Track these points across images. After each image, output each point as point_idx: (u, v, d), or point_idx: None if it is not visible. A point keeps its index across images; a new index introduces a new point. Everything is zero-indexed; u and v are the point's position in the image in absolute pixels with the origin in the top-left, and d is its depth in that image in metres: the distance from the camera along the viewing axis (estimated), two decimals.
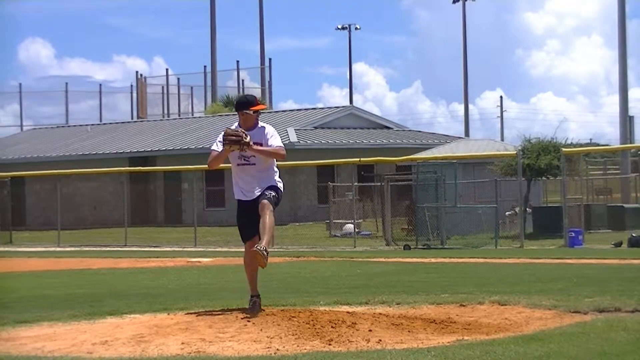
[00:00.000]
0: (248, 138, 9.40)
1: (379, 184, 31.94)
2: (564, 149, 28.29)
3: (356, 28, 75.79)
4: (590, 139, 70.58)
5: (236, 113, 9.74)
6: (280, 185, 9.68)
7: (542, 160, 30.04)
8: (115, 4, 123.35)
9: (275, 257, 23.54)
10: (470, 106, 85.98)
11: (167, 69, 70.45)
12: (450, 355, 7.22)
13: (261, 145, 9.49)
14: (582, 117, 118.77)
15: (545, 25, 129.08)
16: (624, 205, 33.75)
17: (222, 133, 9.52)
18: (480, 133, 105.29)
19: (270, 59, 63.67)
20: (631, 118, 42.85)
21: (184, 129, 48.48)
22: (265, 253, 8.99)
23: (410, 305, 10.31)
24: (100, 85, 68.19)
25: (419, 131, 50.30)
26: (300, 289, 13.34)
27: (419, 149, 40.07)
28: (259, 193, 9.50)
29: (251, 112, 9.57)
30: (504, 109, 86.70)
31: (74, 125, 58.29)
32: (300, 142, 40.89)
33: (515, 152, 29.05)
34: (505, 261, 20.17)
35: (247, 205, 9.58)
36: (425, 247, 26.75)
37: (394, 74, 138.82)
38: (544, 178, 32.31)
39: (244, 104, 9.62)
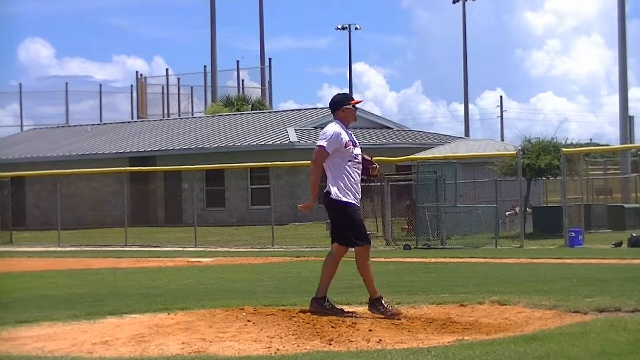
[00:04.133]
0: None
1: (379, 184, 31.92)
2: (564, 149, 28.28)
3: (356, 28, 75.68)
4: (590, 139, 70.81)
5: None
6: None
7: (542, 160, 30.02)
8: (115, 4, 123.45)
9: (275, 257, 23.55)
10: (471, 106, 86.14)
11: (167, 69, 70.57)
12: (450, 355, 7.21)
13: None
14: (582, 117, 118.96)
15: (545, 25, 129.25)
16: (624, 205, 33.75)
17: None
18: (481, 133, 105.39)
19: (270, 59, 63.80)
20: (631, 118, 42.89)
21: (184, 129, 48.43)
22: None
23: (410, 305, 10.29)
24: (100, 85, 68.37)
25: (419, 131, 50.25)
26: (300, 289, 13.31)
27: (419, 149, 40.03)
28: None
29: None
30: (504, 109, 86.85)
31: (74, 125, 58.28)
32: (300, 142, 40.87)
33: (515, 152, 29.03)
34: (505, 261, 20.13)
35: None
36: (425, 247, 26.73)
37: (394, 73, 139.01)
38: (544, 178, 32.29)
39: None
